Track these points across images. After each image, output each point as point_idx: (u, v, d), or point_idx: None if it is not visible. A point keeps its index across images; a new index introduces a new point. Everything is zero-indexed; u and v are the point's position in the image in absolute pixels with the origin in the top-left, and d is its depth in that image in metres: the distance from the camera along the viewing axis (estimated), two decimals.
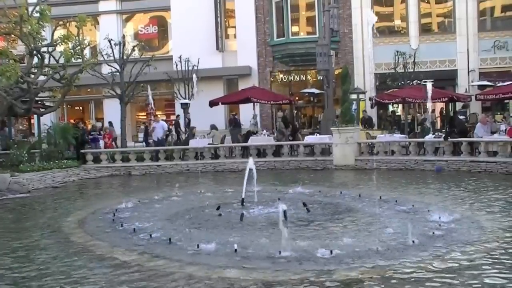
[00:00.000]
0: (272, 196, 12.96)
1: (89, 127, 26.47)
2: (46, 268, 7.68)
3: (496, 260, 7.24)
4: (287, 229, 8.20)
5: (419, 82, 26.25)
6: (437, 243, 8.16)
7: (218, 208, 11.31)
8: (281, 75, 30.43)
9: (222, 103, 26.87)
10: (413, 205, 11.33)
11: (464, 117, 24.71)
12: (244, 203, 11.75)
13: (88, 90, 31.85)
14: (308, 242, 8.35)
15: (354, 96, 24.97)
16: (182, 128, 26.97)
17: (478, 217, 10.14)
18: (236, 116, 28.13)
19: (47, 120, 26.93)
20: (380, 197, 12.47)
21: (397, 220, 9.99)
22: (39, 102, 24.20)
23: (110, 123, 27.51)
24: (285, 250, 7.66)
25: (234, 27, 30.98)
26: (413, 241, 8.13)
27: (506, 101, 26.12)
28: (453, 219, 9.79)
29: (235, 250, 7.88)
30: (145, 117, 32.70)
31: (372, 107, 26.56)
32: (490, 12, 29.18)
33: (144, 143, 26.57)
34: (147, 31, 32.78)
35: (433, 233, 8.67)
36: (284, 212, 9.46)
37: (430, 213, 10.36)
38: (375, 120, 27.59)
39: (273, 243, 8.20)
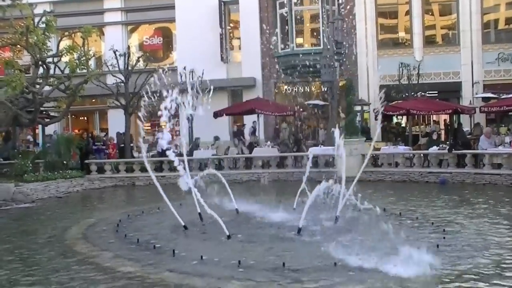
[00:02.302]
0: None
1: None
2: (47, 278, 7.70)
3: None
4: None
5: (423, 94, 26.25)
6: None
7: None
8: (286, 87, 30.43)
9: (226, 114, 26.87)
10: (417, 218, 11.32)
11: (467, 129, 24.62)
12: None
13: (93, 100, 31.93)
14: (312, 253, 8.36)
15: (358, 108, 24.97)
16: (247, 136, 26.44)
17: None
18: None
19: (52, 130, 26.99)
20: (384, 209, 12.45)
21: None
22: (44, 112, 24.24)
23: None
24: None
25: (239, 38, 31.07)
26: None
27: (510, 113, 26.04)
28: (456, 232, 9.78)
29: (239, 262, 7.88)
30: (149, 128, 32.74)
31: (375, 119, 26.50)
32: (494, 24, 29.16)
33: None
34: (152, 42, 32.87)
35: (438, 246, 8.64)
36: (299, 229, 9.77)
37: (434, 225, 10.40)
38: (378, 131, 27.34)
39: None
